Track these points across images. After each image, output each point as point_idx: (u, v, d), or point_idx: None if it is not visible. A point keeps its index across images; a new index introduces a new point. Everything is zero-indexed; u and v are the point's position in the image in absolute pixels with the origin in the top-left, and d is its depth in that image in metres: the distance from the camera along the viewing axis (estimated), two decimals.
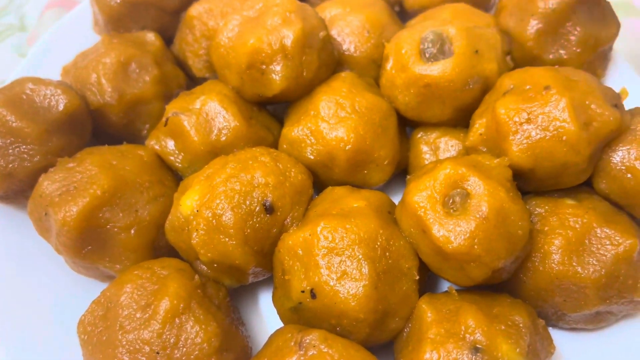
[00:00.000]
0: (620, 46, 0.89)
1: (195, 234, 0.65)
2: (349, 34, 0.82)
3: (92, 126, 0.80)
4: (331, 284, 0.60)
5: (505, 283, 0.67)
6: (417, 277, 0.64)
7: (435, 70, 0.71)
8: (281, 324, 0.66)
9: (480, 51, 0.73)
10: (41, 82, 0.75)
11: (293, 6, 0.75)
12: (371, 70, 0.82)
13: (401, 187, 0.77)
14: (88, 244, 0.67)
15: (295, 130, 0.74)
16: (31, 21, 1.11)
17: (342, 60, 0.82)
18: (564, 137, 0.63)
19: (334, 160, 0.72)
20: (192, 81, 0.89)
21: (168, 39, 0.90)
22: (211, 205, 0.65)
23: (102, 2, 0.86)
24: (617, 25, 0.84)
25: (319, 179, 0.75)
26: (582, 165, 0.64)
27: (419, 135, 0.78)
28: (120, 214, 0.68)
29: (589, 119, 0.64)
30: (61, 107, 0.74)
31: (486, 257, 0.59)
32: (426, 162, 0.76)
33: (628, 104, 0.76)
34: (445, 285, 0.67)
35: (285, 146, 0.75)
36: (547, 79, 0.67)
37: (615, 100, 0.67)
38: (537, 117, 0.64)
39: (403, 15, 0.98)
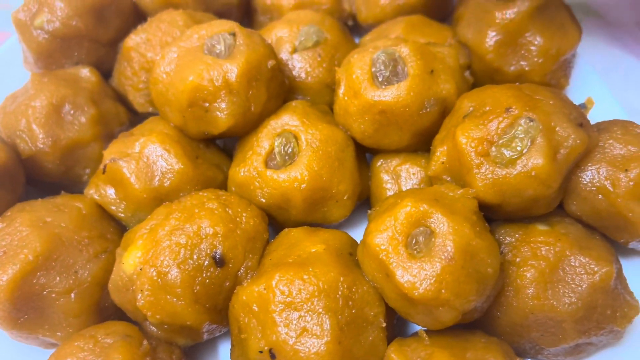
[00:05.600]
0: (583, 48, 0.86)
1: (140, 295, 0.59)
2: (300, 59, 0.77)
3: (25, 176, 0.73)
4: (290, 342, 0.55)
5: (479, 319, 0.63)
6: (384, 324, 0.59)
7: (389, 95, 0.67)
8: None
9: (436, 71, 0.68)
10: None
11: (237, 34, 0.69)
12: (325, 96, 0.78)
13: (364, 218, 0.73)
14: (24, 314, 0.61)
15: (242, 171, 0.68)
16: None
17: (293, 87, 0.77)
18: (533, 173, 0.58)
19: (290, 202, 0.67)
20: (136, 115, 0.83)
21: (106, 72, 0.84)
22: (155, 263, 0.59)
23: (29, 38, 0.79)
24: (579, 30, 0.81)
25: (275, 220, 0.70)
26: (552, 197, 0.61)
27: (379, 164, 0.74)
28: (58, 278, 0.62)
29: (557, 146, 0.60)
30: None
31: (455, 301, 0.55)
32: (388, 192, 0.72)
33: (595, 112, 0.73)
34: (415, 326, 0.63)
35: (233, 189, 0.70)
36: (509, 98, 0.63)
37: (580, 118, 0.63)
38: (500, 147, 0.60)
39: (357, 29, 0.94)
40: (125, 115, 0.80)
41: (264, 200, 0.68)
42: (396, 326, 0.65)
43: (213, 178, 0.71)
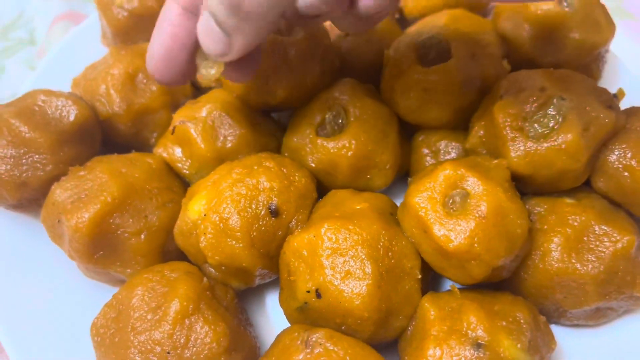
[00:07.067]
0: (617, 49, 0.91)
1: (203, 237, 0.67)
2: (351, 42, 0.84)
3: (102, 136, 0.82)
4: (335, 283, 0.62)
5: (507, 281, 0.69)
6: (420, 276, 0.65)
7: (434, 74, 0.73)
8: (288, 324, 0.68)
9: (477, 55, 0.75)
10: (52, 93, 0.78)
11: None
12: (372, 77, 0.84)
13: (403, 189, 0.78)
14: (100, 250, 0.69)
15: (296, 138, 0.76)
16: (40, 35, 1.14)
17: (344, 68, 0.84)
18: (563, 146, 0.64)
19: (337, 168, 0.74)
20: (198, 91, 0.91)
21: None
22: (218, 210, 0.67)
23: (109, 15, 0.89)
24: (613, 27, 0.86)
25: (322, 184, 0.77)
26: (580, 170, 0.66)
27: (420, 139, 0.80)
28: (130, 220, 0.70)
29: (586, 124, 0.65)
30: (72, 117, 0.76)
31: (486, 256, 0.61)
32: (427, 165, 0.78)
33: (626, 105, 0.78)
34: (448, 285, 0.69)
35: (287, 154, 0.77)
36: (542, 80, 0.69)
37: (609, 101, 0.69)
38: (533, 123, 0.66)
39: (402, 23, 1.01)
40: (189, 89, 0.89)
41: (313, 165, 0.75)
42: (430, 283, 0.71)
43: (268, 144, 0.78)
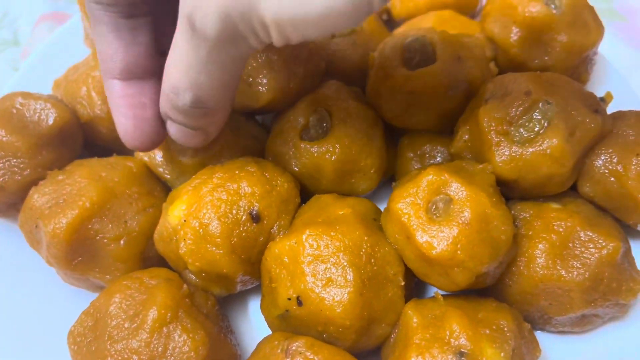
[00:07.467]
0: (607, 50, 0.90)
1: (183, 243, 0.65)
2: (337, 44, 0.83)
3: (83, 138, 0.81)
4: (317, 291, 0.61)
5: (491, 288, 0.68)
6: (403, 283, 0.64)
7: (419, 77, 0.72)
8: (270, 332, 0.67)
9: (463, 58, 0.74)
10: (31, 96, 0.76)
11: None
12: (358, 79, 0.83)
13: (389, 194, 0.78)
14: (78, 255, 0.68)
15: (279, 142, 0.74)
16: (24, 35, 1.13)
17: (329, 70, 0.83)
18: (548, 151, 0.63)
19: (321, 172, 0.73)
20: None
21: None
22: (198, 215, 0.66)
23: None
24: (601, 29, 0.85)
25: (306, 189, 0.76)
26: (566, 175, 0.65)
27: (406, 142, 0.79)
28: (110, 225, 0.69)
29: (572, 128, 0.65)
30: (51, 120, 0.75)
31: (470, 262, 0.60)
32: (413, 169, 0.77)
33: (614, 108, 0.77)
34: (432, 292, 0.68)
35: (270, 158, 0.76)
36: (528, 83, 0.68)
37: (596, 105, 0.68)
38: (519, 127, 0.65)
39: (390, 24, 1.00)
40: None
41: (297, 169, 0.74)
42: (414, 290, 0.70)
43: (251, 147, 0.77)
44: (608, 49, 0.90)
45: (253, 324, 0.73)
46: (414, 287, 0.70)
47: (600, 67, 0.88)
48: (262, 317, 0.68)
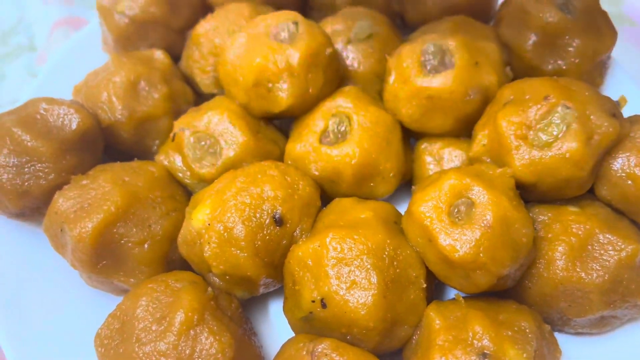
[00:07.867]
0: (617, 54, 0.91)
1: (207, 247, 0.66)
2: (353, 50, 0.84)
3: (104, 143, 0.82)
4: (341, 293, 0.62)
5: (511, 290, 0.69)
6: (425, 285, 0.65)
7: (437, 82, 0.73)
8: (292, 334, 0.68)
9: (480, 63, 0.75)
10: (54, 101, 0.77)
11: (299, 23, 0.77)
12: (375, 85, 0.84)
13: (406, 197, 0.79)
14: (103, 259, 0.69)
15: (299, 147, 0.75)
16: (40, 41, 1.14)
17: (347, 76, 0.84)
18: (567, 155, 0.64)
19: (340, 176, 0.74)
20: (200, 97, 0.91)
21: (175, 56, 0.92)
22: (222, 219, 0.66)
23: (110, 21, 0.89)
24: (615, 34, 0.86)
25: (326, 192, 0.77)
26: (584, 179, 0.66)
27: (423, 146, 0.80)
28: (134, 229, 0.69)
29: (590, 132, 0.66)
30: (74, 125, 0.76)
31: (491, 265, 0.61)
32: (430, 173, 0.78)
33: (627, 112, 0.78)
34: (452, 293, 0.69)
35: (290, 162, 0.77)
36: (547, 88, 0.69)
37: (613, 109, 0.69)
38: (538, 131, 0.66)
39: (404, 29, 1.01)
40: (191, 95, 0.89)
41: (317, 173, 0.75)
42: (435, 291, 0.71)
43: (271, 152, 0.78)
44: (619, 53, 0.91)
45: (274, 326, 0.74)
46: (434, 289, 0.71)
47: (613, 72, 0.89)
48: (283, 319, 0.69)
